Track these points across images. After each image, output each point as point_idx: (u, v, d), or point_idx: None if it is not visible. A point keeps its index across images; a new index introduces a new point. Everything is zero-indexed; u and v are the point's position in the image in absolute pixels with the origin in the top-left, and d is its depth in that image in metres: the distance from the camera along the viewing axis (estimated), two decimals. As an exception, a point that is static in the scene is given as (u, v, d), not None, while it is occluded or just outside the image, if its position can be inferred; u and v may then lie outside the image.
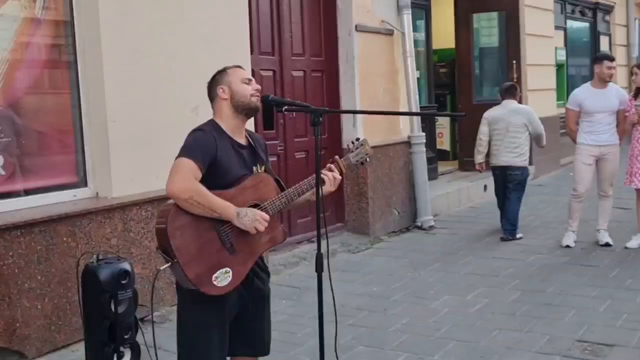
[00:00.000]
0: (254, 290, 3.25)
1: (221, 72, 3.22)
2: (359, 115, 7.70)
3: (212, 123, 3.18)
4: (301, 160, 7.36)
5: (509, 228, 7.61)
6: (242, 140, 3.22)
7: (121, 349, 4.10)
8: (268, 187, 3.18)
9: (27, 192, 4.74)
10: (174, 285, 3.20)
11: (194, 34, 5.62)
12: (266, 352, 3.41)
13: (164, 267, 2.93)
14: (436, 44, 10.69)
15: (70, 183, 5.01)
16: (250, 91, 3.16)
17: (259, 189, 3.14)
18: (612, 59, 7.15)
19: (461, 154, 11.40)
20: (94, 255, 4.18)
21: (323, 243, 3.08)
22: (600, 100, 6.95)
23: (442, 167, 10.92)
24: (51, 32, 4.92)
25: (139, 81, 5.19)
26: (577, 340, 4.59)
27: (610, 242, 7.03)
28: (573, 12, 14.41)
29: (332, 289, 3.06)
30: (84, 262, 4.18)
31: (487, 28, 11.63)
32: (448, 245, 7.50)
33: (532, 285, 5.88)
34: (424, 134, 8.55)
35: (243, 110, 3.17)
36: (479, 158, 7.88)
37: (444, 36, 11.62)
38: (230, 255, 3.00)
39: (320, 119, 3.04)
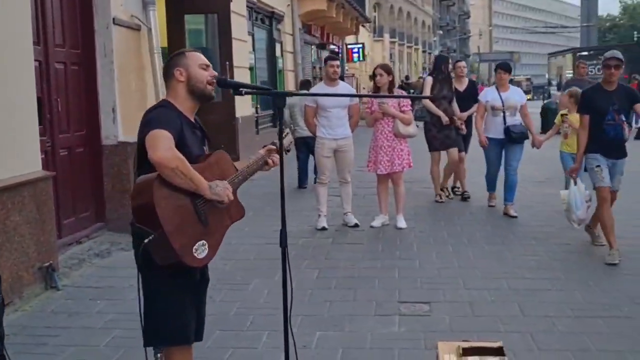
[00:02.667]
0: (202, 275, 3.29)
1: (180, 55, 3.23)
2: (118, 113, 7.51)
3: (166, 102, 3.15)
4: (65, 157, 6.95)
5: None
6: (193, 120, 3.23)
7: (-8, 362, 3.67)
8: (227, 164, 3.26)
9: None
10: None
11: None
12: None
13: (147, 239, 2.83)
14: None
15: None
16: (207, 77, 3.18)
17: (220, 166, 3.21)
18: (334, 59, 8.16)
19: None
20: (-46, 261, 3.66)
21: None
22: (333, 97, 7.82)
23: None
24: None
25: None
26: (399, 301, 5.29)
27: (358, 222, 7.96)
28: (257, 19, 15.46)
29: (289, 274, 3.29)
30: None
31: (196, 29, 11.96)
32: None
33: (322, 263, 6.46)
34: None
35: (197, 95, 3.19)
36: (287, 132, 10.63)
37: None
38: (205, 229, 3.04)
39: (285, 101, 3.20)
